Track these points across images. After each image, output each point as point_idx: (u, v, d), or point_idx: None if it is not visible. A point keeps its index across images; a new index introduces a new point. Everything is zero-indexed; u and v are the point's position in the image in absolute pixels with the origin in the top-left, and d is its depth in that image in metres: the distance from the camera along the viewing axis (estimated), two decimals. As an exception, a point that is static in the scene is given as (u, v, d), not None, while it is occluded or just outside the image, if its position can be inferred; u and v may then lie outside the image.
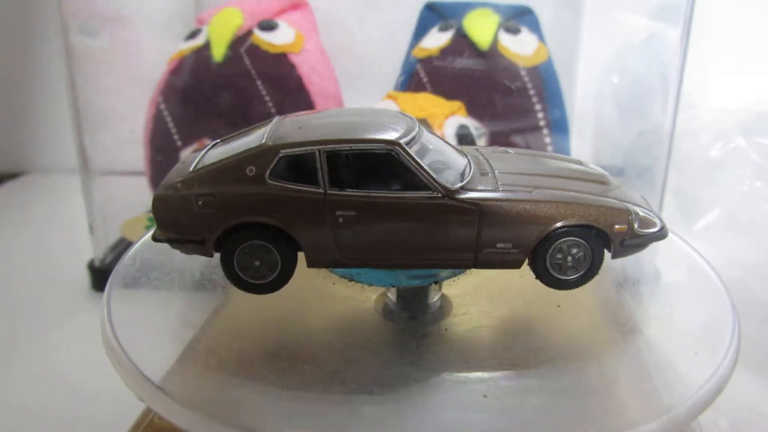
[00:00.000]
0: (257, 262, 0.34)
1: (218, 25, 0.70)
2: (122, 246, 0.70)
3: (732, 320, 0.34)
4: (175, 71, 0.70)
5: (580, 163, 0.43)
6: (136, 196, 0.74)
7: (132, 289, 0.37)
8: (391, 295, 0.38)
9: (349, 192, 0.33)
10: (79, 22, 0.66)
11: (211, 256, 0.34)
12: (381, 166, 0.33)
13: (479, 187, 0.34)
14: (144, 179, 0.73)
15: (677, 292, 0.42)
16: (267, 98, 0.68)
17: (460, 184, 0.34)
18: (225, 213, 0.33)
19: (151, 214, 0.66)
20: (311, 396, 0.30)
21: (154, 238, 0.34)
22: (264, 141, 0.34)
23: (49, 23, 0.98)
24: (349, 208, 0.33)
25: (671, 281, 0.42)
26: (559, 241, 0.35)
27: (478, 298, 0.38)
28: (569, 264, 0.35)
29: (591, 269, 0.35)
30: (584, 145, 0.87)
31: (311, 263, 0.34)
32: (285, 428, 0.28)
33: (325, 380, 0.31)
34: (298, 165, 0.33)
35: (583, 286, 0.35)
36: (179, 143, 0.69)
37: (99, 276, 0.68)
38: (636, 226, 0.35)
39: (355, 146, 0.33)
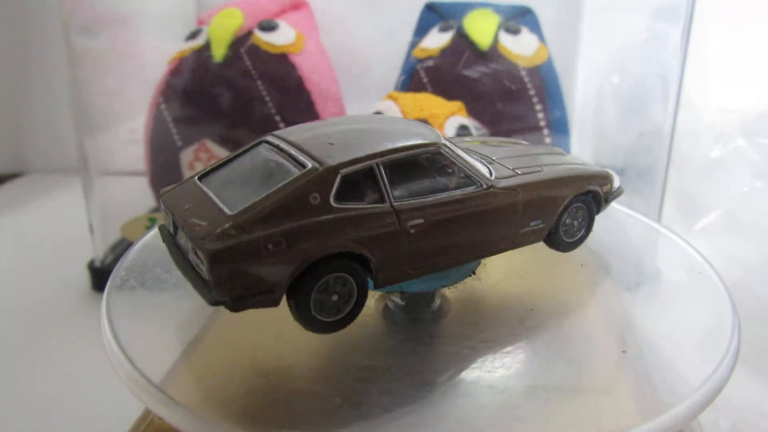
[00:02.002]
0: (335, 297, 0.31)
1: (218, 26, 0.70)
2: (122, 246, 0.70)
3: (732, 320, 0.34)
4: (175, 71, 0.70)
5: (521, 143, 0.46)
6: (137, 197, 0.74)
7: (132, 289, 0.37)
8: (396, 298, 0.37)
9: (412, 201, 0.32)
10: (80, 23, 0.66)
11: (278, 304, 0.30)
12: (430, 168, 0.34)
13: (505, 175, 0.36)
14: (144, 179, 0.73)
15: (677, 292, 0.42)
16: (267, 98, 0.68)
17: (495, 175, 0.36)
18: (299, 252, 0.29)
19: (151, 215, 0.67)
20: (311, 396, 0.30)
21: (214, 303, 0.28)
22: (313, 164, 0.30)
23: (50, 24, 0.98)
24: (417, 216, 0.32)
25: (671, 281, 0.42)
26: (571, 208, 0.39)
27: (474, 301, 0.38)
28: (575, 228, 0.40)
29: (590, 227, 0.41)
30: (584, 146, 0.87)
31: (381, 283, 0.32)
32: (285, 429, 0.28)
33: (326, 381, 0.31)
34: (358, 182, 0.31)
35: (583, 287, 0.36)
36: (179, 143, 0.69)
37: (99, 276, 0.68)
38: (612, 184, 0.41)
39: (407, 153, 0.33)
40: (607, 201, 0.41)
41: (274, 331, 0.34)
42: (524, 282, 0.39)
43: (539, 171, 0.38)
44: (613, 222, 0.49)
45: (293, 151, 0.32)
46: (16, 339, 0.60)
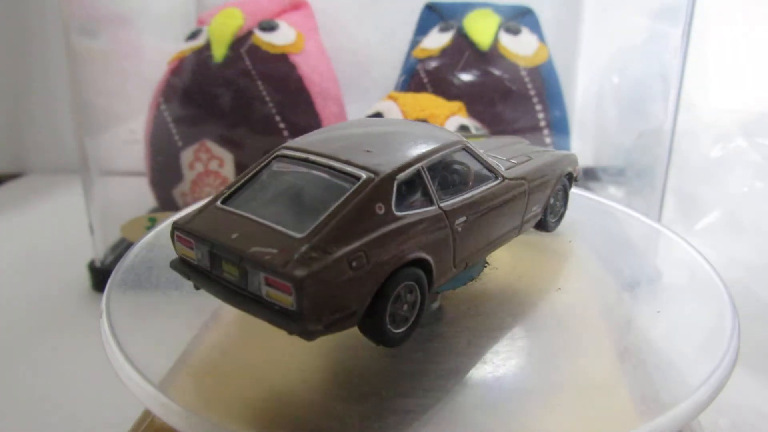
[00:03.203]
0: (405, 307, 0.30)
1: (219, 26, 0.70)
2: (122, 246, 0.70)
3: (732, 320, 0.34)
4: (175, 72, 0.70)
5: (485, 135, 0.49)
6: (137, 197, 0.74)
7: (132, 289, 0.37)
8: None
9: (453, 200, 0.33)
10: (80, 23, 0.66)
11: (355, 324, 0.29)
12: (459, 166, 0.34)
13: (507, 166, 0.38)
14: (144, 180, 0.73)
15: (677, 292, 0.42)
16: (267, 98, 0.68)
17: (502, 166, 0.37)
18: (379, 265, 0.28)
19: (151, 215, 0.67)
20: (312, 397, 0.30)
21: (305, 334, 0.27)
22: (367, 174, 0.30)
23: (50, 24, 0.98)
24: (460, 215, 0.33)
25: (671, 281, 0.42)
26: (556, 191, 0.41)
27: (475, 302, 0.38)
28: (557, 208, 0.43)
29: (566, 206, 0.44)
30: (585, 146, 0.87)
31: (435, 286, 0.32)
32: (285, 430, 0.28)
33: (326, 381, 0.31)
34: (409, 188, 0.31)
35: (584, 287, 0.36)
36: (180, 144, 0.69)
37: (99, 276, 0.68)
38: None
39: (443, 153, 0.33)
40: (576, 180, 0.45)
41: (274, 332, 0.34)
42: (523, 282, 0.39)
43: (530, 159, 0.40)
44: (613, 222, 0.49)
45: (333, 163, 0.30)
46: (16, 339, 0.60)
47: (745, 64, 0.79)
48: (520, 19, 0.75)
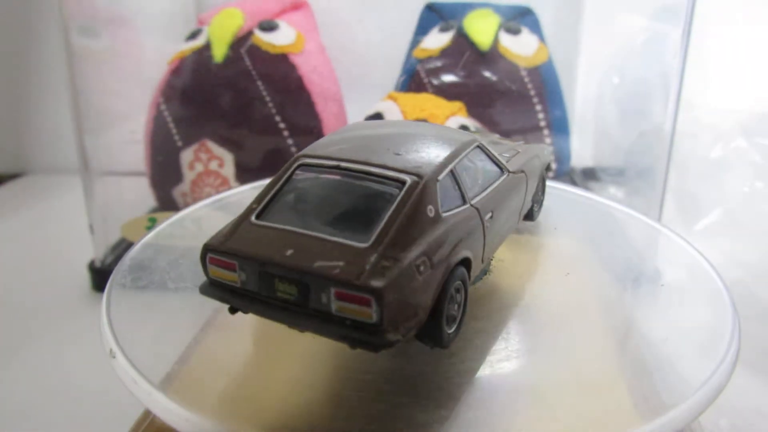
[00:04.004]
0: (455, 306, 0.30)
1: (219, 26, 0.70)
2: (123, 246, 0.70)
3: (732, 320, 0.34)
4: (175, 72, 0.70)
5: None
6: (137, 197, 0.74)
7: (132, 289, 0.37)
8: None
9: (479, 197, 0.33)
10: (80, 23, 0.66)
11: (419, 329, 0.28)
12: (477, 164, 0.34)
13: (504, 160, 0.38)
14: (144, 179, 0.73)
15: (677, 292, 0.42)
16: (267, 99, 0.68)
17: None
18: (440, 268, 0.28)
19: (151, 215, 0.67)
20: (312, 397, 0.30)
21: (387, 345, 0.26)
22: (411, 177, 0.29)
23: (50, 24, 0.98)
24: (487, 210, 0.33)
25: (671, 281, 0.42)
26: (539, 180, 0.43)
27: (474, 302, 0.38)
28: (539, 197, 0.44)
29: (544, 194, 0.45)
30: (585, 146, 0.87)
31: (472, 283, 0.32)
32: (285, 430, 0.28)
33: (326, 381, 0.31)
34: (446, 188, 0.31)
35: (584, 287, 0.36)
36: (180, 144, 0.69)
37: (99, 276, 0.68)
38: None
39: (466, 152, 0.33)
40: (549, 169, 0.47)
41: (274, 332, 0.34)
42: (523, 281, 0.39)
43: (519, 152, 0.40)
44: (613, 222, 0.49)
45: (369, 168, 0.30)
46: (17, 339, 0.60)
47: (745, 64, 0.79)
48: (520, 19, 0.76)
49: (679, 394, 0.29)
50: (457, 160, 0.32)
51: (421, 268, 0.27)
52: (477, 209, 0.32)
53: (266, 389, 0.31)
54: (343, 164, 0.30)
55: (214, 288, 0.30)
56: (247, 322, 0.32)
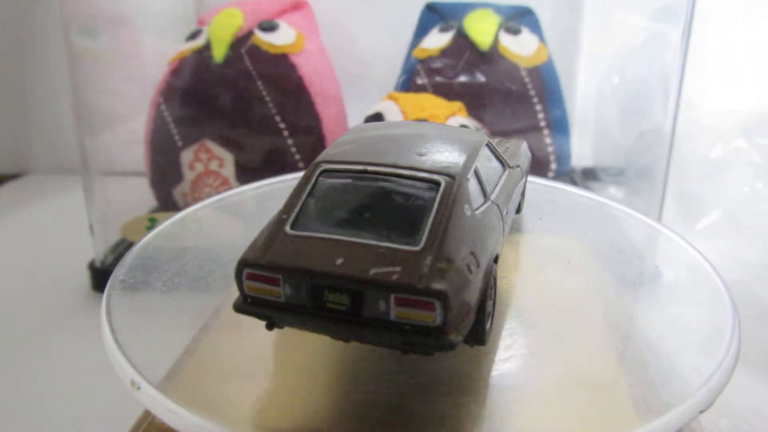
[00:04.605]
0: (491, 303, 0.30)
1: (219, 26, 0.70)
2: (123, 247, 0.70)
3: (732, 320, 0.34)
4: (175, 72, 0.70)
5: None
6: (137, 197, 0.74)
7: (132, 289, 0.37)
8: None
9: (494, 193, 0.33)
10: (80, 23, 0.66)
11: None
12: (488, 161, 0.35)
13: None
14: (144, 180, 0.73)
15: (677, 292, 0.42)
16: (267, 99, 0.68)
17: None
18: (484, 266, 0.28)
19: (152, 215, 0.67)
20: (313, 397, 0.30)
21: (450, 347, 0.26)
22: (444, 179, 0.29)
23: (50, 24, 0.98)
24: (504, 204, 0.34)
25: (671, 281, 0.42)
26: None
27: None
28: (523, 189, 0.44)
29: (526, 187, 0.45)
30: (585, 146, 0.87)
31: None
32: (285, 430, 0.28)
33: (326, 381, 0.31)
34: (472, 186, 0.31)
35: (584, 287, 0.36)
36: (180, 144, 0.69)
37: (99, 276, 0.68)
38: None
39: (481, 152, 0.34)
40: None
41: (274, 332, 0.34)
42: (523, 281, 0.39)
43: (509, 147, 0.41)
44: (613, 222, 0.49)
45: (399, 171, 0.29)
46: (16, 339, 0.60)
47: (745, 64, 0.79)
48: (520, 19, 0.76)
49: (679, 394, 0.29)
50: (477, 158, 0.32)
51: (471, 267, 0.27)
52: (497, 205, 0.33)
53: (266, 389, 0.31)
54: (371, 168, 0.30)
55: (251, 305, 0.28)
56: (247, 322, 0.32)
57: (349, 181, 0.30)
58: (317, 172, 0.30)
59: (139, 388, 0.29)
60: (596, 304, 0.39)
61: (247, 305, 0.28)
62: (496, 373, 0.31)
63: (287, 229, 0.28)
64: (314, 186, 0.30)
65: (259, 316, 0.28)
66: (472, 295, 0.27)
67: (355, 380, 0.31)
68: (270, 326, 0.29)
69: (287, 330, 0.29)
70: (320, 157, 0.31)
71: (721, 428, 0.48)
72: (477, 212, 0.30)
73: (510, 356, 0.33)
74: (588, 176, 0.86)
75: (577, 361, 0.33)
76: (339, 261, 0.26)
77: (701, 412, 0.28)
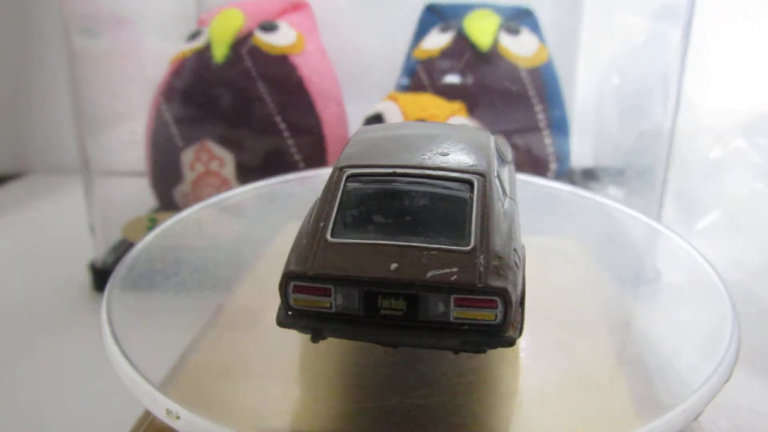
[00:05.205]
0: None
1: (219, 27, 0.70)
2: (123, 247, 0.70)
3: (732, 320, 0.34)
4: (176, 72, 0.70)
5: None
6: (138, 197, 0.74)
7: (133, 290, 0.37)
8: None
9: (508, 188, 0.33)
10: (81, 23, 0.66)
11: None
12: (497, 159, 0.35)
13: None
14: (145, 180, 0.73)
15: (677, 292, 0.42)
16: (268, 99, 0.68)
17: None
18: (523, 261, 0.29)
19: (152, 215, 0.67)
20: (312, 397, 0.30)
21: (510, 343, 0.26)
22: (476, 177, 0.29)
23: (51, 24, 0.98)
24: (513, 200, 0.33)
25: (671, 281, 0.42)
26: None
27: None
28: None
29: None
30: (585, 146, 0.87)
31: None
32: (285, 430, 0.28)
33: (327, 381, 0.31)
34: (497, 185, 0.31)
35: (584, 287, 0.36)
36: (180, 144, 0.69)
37: (100, 277, 0.68)
38: None
39: (494, 149, 0.33)
40: None
41: (274, 332, 0.34)
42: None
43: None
44: (613, 222, 0.49)
45: (430, 172, 0.29)
46: (16, 339, 0.60)
47: (745, 64, 0.79)
48: (520, 19, 0.75)
49: (679, 394, 0.29)
50: (495, 156, 0.32)
51: (518, 262, 0.27)
52: (513, 200, 0.33)
53: (266, 389, 0.31)
54: (399, 170, 0.29)
55: (297, 318, 0.27)
56: (247, 322, 0.32)
57: (379, 184, 0.29)
58: (344, 178, 0.30)
59: (178, 418, 0.27)
60: (596, 303, 0.39)
61: (292, 318, 0.28)
62: (496, 373, 0.32)
63: (328, 237, 0.27)
64: (343, 192, 0.29)
65: (307, 329, 0.27)
66: (520, 291, 0.27)
67: (356, 381, 0.31)
68: (315, 338, 0.28)
69: (287, 330, 0.29)
70: (341, 162, 0.31)
71: (721, 428, 0.48)
72: (506, 208, 0.30)
73: (508, 356, 0.33)
74: (587, 176, 0.86)
75: (577, 361, 0.33)
76: (393, 266, 0.26)
77: (695, 418, 0.28)
